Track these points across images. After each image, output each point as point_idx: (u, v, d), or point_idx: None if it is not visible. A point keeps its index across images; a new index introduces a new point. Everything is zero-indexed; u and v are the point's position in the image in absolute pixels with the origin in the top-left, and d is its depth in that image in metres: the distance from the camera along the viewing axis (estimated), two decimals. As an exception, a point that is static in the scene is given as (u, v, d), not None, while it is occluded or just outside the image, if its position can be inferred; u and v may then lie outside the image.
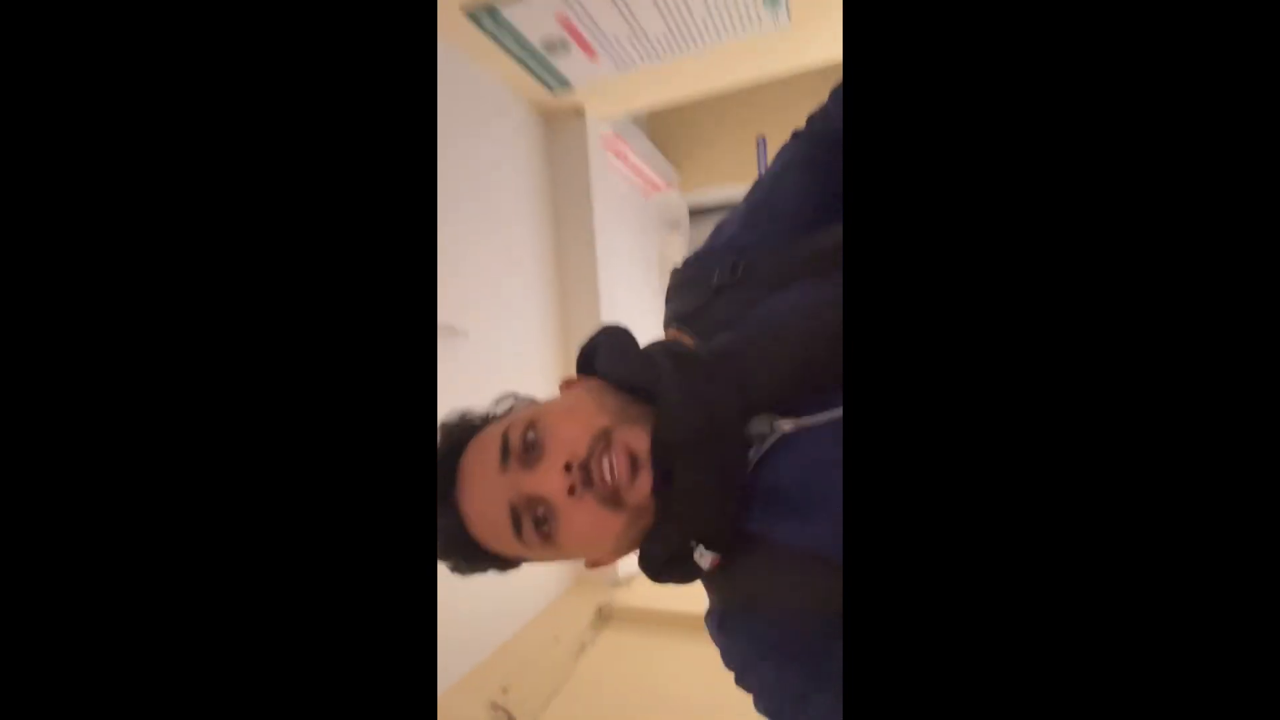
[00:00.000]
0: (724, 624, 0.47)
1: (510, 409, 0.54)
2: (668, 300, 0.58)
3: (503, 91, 1.70)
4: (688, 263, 0.58)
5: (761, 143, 2.70)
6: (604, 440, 0.43)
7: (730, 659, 0.47)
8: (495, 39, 1.47)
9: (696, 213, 3.00)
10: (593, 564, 0.52)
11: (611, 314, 1.98)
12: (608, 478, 0.42)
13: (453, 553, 0.50)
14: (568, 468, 0.43)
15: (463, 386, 1.06)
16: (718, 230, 0.59)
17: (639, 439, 0.43)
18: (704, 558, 0.45)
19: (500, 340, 1.59)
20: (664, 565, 0.47)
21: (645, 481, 0.42)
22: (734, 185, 2.86)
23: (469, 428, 0.52)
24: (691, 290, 0.55)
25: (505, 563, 0.51)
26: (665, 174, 2.72)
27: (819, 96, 0.60)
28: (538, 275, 1.83)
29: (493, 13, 1.37)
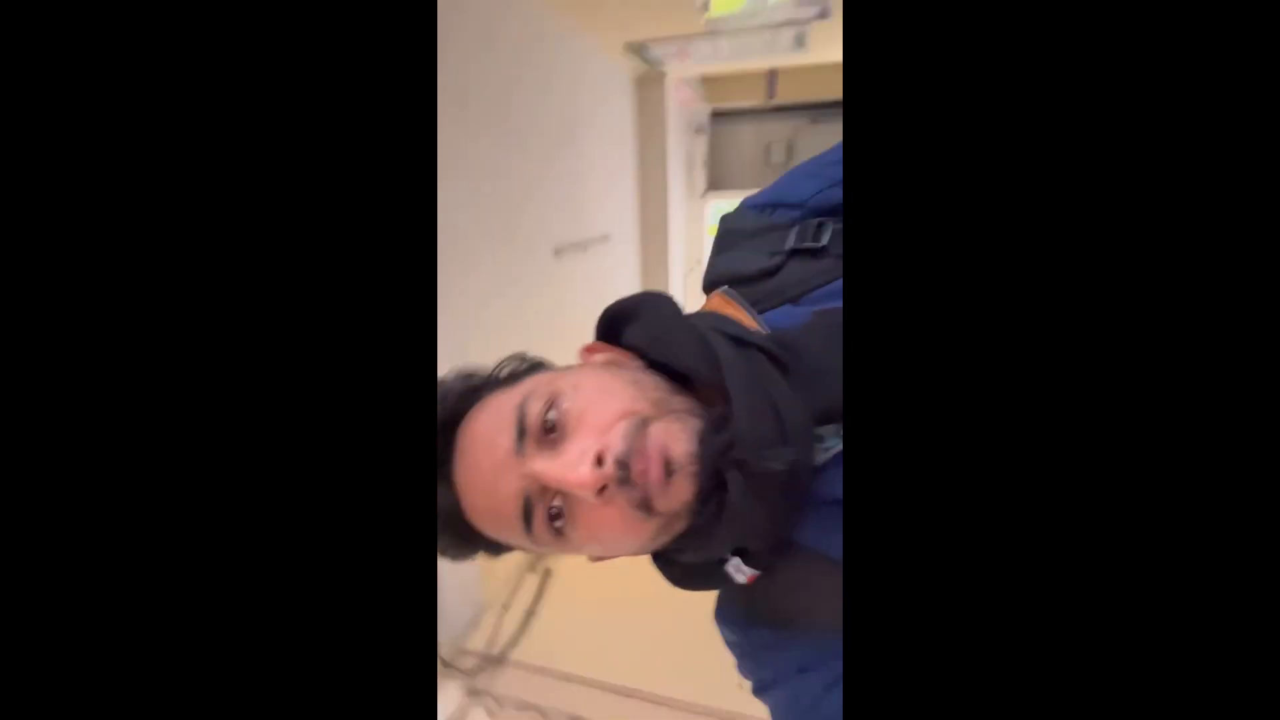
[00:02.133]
0: (749, 633, 0.43)
1: (513, 372, 0.44)
2: (718, 250, 0.50)
3: (616, 68, 2.70)
4: (748, 208, 0.50)
5: (772, 75, 3.60)
6: (642, 433, 0.36)
7: (752, 669, 0.42)
8: (636, 54, 2.46)
9: (716, 115, 3.99)
10: (598, 558, 0.44)
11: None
12: (646, 480, 0.35)
13: (444, 534, 0.41)
14: (599, 461, 0.35)
15: (619, 283, 2.24)
16: (792, 177, 0.49)
17: (678, 439, 0.36)
18: (741, 572, 0.39)
19: (625, 238, 2.80)
20: (690, 573, 0.42)
21: (681, 489, 0.35)
22: (745, 101, 3.81)
23: (471, 391, 0.42)
24: (756, 246, 0.46)
25: (498, 547, 0.42)
26: (695, 90, 3.65)
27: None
28: (632, 187, 2.97)
29: (643, 48, 2.37)
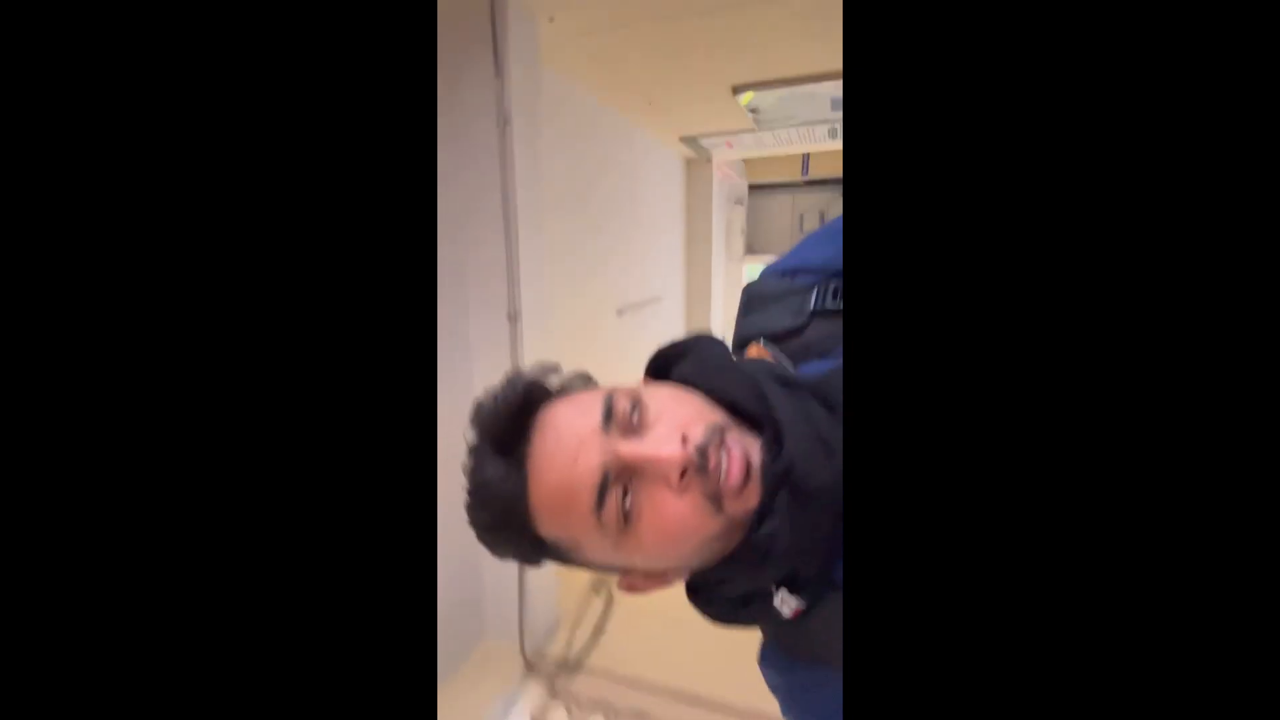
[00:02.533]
0: (792, 675, 0.43)
1: (584, 388, 0.45)
2: (746, 312, 0.52)
3: (671, 154, 3.09)
4: (770, 275, 0.53)
5: (806, 156, 3.99)
6: (720, 434, 0.37)
7: (797, 713, 0.43)
8: (689, 144, 2.84)
9: (754, 188, 4.39)
10: (630, 586, 0.44)
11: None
12: (722, 473, 0.36)
13: (492, 515, 0.40)
14: (684, 442, 0.37)
15: (669, 336, 2.56)
16: (809, 245, 0.52)
17: (755, 449, 0.38)
18: (786, 604, 0.40)
19: (673, 298, 3.11)
20: (733, 606, 0.42)
21: (753, 495, 0.37)
22: (781, 177, 4.20)
23: (544, 388, 0.43)
24: (781, 308, 0.49)
25: (533, 553, 0.42)
26: (736, 168, 4.05)
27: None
28: (680, 254, 3.32)
29: (695, 140, 2.74)
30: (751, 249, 4.53)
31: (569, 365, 0.47)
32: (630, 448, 0.37)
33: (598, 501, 0.38)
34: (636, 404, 0.39)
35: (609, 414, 0.39)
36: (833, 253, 0.49)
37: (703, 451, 0.37)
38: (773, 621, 0.42)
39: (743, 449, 0.37)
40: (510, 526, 0.40)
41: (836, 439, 0.38)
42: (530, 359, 1.78)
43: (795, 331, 0.47)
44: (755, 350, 0.48)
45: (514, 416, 0.41)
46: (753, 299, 0.52)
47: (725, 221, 4.18)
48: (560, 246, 2.07)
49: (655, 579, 0.43)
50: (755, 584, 0.40)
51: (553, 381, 0.45)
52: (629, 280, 2.71)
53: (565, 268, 2.13)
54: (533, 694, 1.72)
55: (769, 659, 0.45)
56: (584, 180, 2.25)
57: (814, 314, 0.47)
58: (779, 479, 0.37)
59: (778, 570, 0.39)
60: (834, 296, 0.47)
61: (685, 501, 0.37)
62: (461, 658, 1.78)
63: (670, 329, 3.40)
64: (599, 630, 1.93)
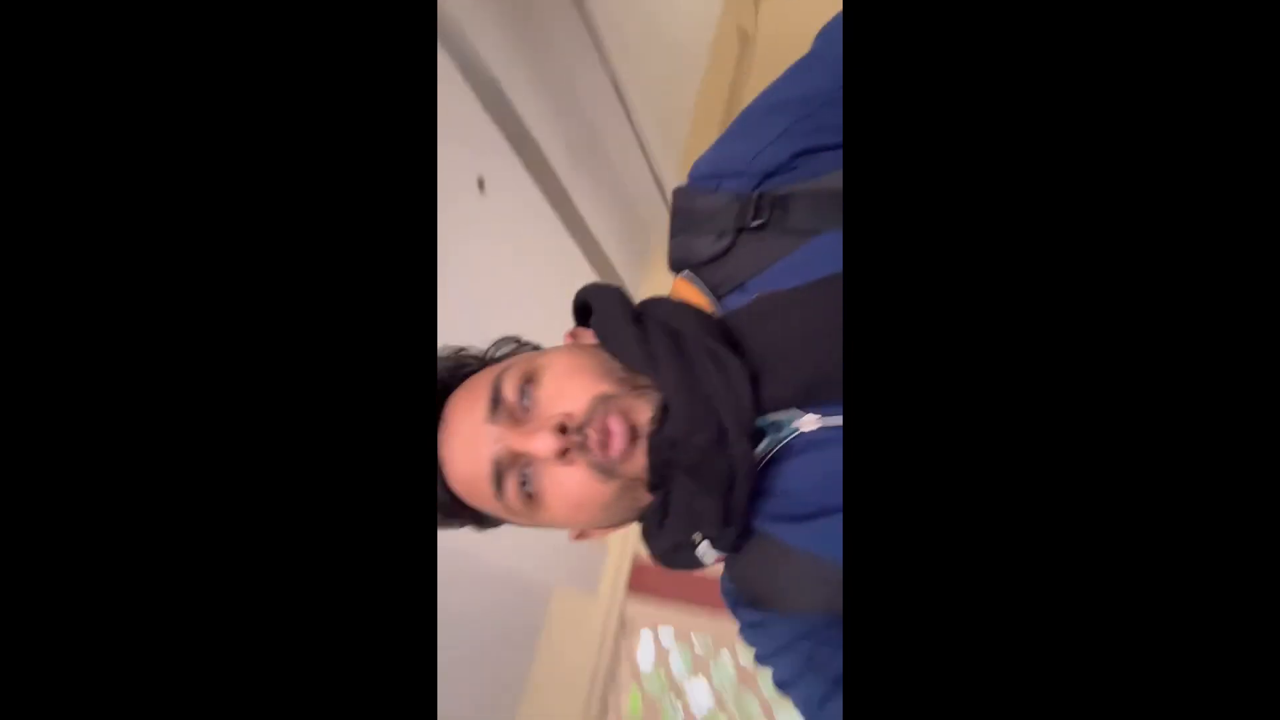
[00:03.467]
0: (738, 611, 0.45)
1: (510, 353, 0.48)
2: (676, 230, 0.47)
3: None
4: (693, 184, 0.46)
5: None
6: (603, 406, 0.39)
7: (749, 639, 0.44)
8: None
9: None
10: (579, 535, 0.48)
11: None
12: (602, 444, 0.38)
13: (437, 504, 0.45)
14: (563, 429, 0.38)
15: None
16: (728, 139, 0.46)
17: (641, 411, 0.39)
18: (708, 554, 0.42)
19: None
20: (670, 554, 0.44)
21: (642, 456, 0.39)
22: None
23: (461, 368, 0.47)
24: (704, 227, 0.45)
25: (484, 519, 0.47)
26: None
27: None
28: None
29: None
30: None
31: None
32: (514, 437, 0.40)
33: (496, 490, 0.41)
34: (529, 381, 0.41)
35: (496, 401, 0.41)
36: (755, 148, 0.44)
37: (581, 429, 0.39)
38: (703, 566, 0.44)
39: (625, 418, 0.39)
40: (444, 506, 0.45)
41: (726, 402, 0.38)
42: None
43: (717, 257, 0.44)
44: (681, 285, 0.46)
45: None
46: (678, 214, 0.47)
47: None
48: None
49: (593, 530, 0.47)
50: (670, 541, 0.42)
51: (469, 355, 0.49)
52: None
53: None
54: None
55: (724, 591, 0.47)
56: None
57: (737, 234, 0.43)
58: (658, 449, 0.39)
59: (680, 531, 0.41)
60: (754, 214, 0.42)
61: (577, 474, 0.40)
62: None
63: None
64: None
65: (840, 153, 0.42)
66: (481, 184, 1.08)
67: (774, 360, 0.40)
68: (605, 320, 0.44)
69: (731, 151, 0.46)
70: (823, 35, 0.46)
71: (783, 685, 0.42)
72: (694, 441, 0.38)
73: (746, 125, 0.46)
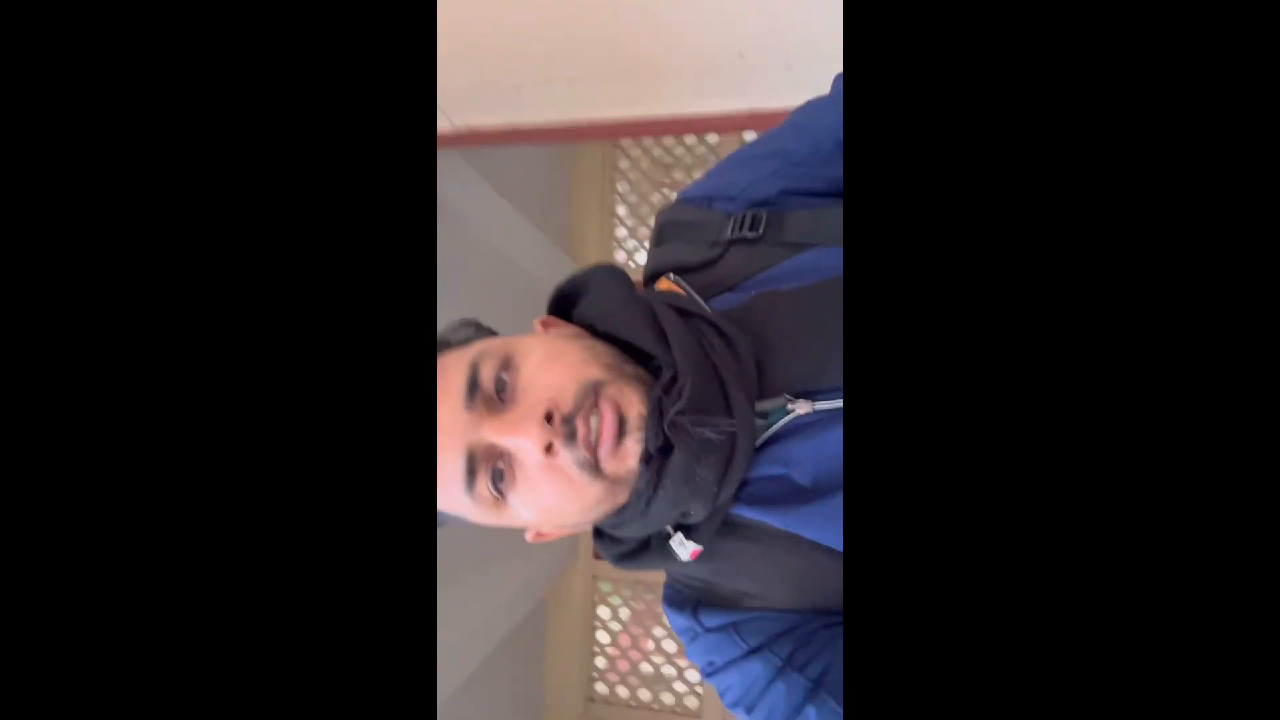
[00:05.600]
0: (697, 617, 0.42)
1: (469, 339, 0.44)
2: (659, 242, 0.49)
3: None
4: (684, 203, 0.49)
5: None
6: (593, 394, 0.36)
7: (700, 652, 0.42)
8: None
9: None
10: (537, 536, 0.44)
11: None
12: (593, 437, 0.36)
13: None
14: (548, 419, 0.36)
15: None
16: (722, 171, 0.50)
17: (632, 401, 0.37)
18: (684, 548, 0.40)
19: None
20: (632, 551, 0.42)
21: (631, 451, 0.37)
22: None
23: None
24: (694, 238, 0.46)
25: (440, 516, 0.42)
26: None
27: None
28: None
29: None
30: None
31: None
32: (492, 430, 0.37)
33: (468, 485, 0.38)
34: (506, 367, 0.38)
35: (473, 387, 0.38)
36: (748, 179, 0.47)
37: (569, 420, 0.36)
38: (673, 563, 0.42)
39: (616, 405, 0.37)
40: None
41: (733, 378, 0.38)
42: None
43: (710, 262, 0.45)
44: (665, 284, 0.46)
45: None
46: (665, 227, 0.49)
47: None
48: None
49: (555, 531, 0.43)
50: (648, 528, 0.40)
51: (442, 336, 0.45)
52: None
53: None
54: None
55: (672, 601, 0.45)
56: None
57: (730, 243, 0.45)
58: (662, 420, 0.36)
59: (667, 511, 0.39)
60: (750, 226, 0.44)
61: (558, 475, 0.37)
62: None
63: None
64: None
65: (828, 199, 0.45)
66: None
67: (774, 348, 0.40)
68: (607, 295, 0.43)
69: (725, 180, 0.48)
70: (832, 88, 0.50)
71: (738, 706, 0.40)
72: (703, 405, 0.36)
73: (742, 161, 0.49)
